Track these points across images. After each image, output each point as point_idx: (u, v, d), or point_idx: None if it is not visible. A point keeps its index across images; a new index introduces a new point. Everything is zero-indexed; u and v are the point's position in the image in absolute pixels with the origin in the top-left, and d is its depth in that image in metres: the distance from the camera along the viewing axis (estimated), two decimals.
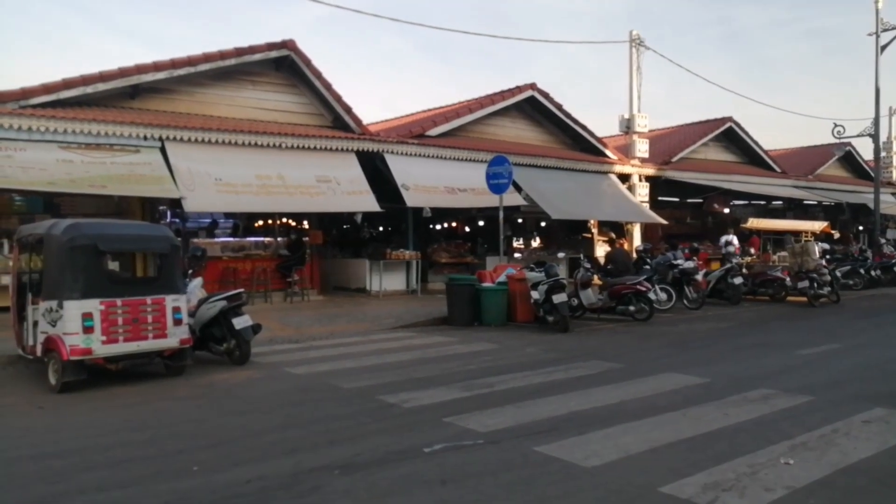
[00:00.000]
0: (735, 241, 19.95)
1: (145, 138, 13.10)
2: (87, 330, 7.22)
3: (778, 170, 26.72)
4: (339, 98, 16.23)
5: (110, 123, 12.68)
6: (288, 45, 15.32)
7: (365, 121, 17.15)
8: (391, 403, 6.56)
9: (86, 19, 75.02)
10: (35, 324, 7.85)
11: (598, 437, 5.32)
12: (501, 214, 14.31)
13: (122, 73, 13.53)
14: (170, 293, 7.90)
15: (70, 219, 8.20)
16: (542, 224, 23.18)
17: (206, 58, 14.47)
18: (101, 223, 8.33)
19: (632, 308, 12.60)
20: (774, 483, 4.33)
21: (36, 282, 8.11)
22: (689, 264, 15.03)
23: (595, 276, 13.30)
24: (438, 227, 22.59)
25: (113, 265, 9.45)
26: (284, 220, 18.00)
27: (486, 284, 12.56)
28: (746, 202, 27.85)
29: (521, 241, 23.05)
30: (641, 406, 6.29)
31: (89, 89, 13.13)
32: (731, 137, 26.16)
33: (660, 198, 23.66)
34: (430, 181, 16.39)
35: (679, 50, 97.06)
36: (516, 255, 19.91)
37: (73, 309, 7.20)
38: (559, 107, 20.38)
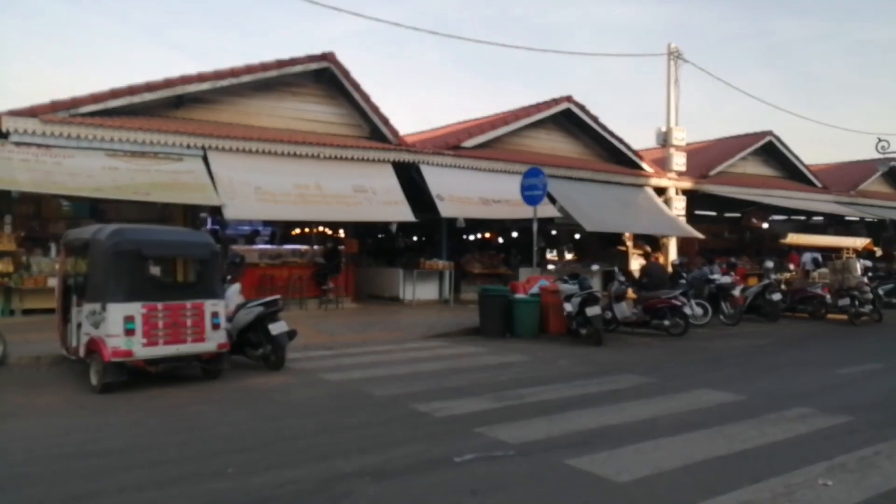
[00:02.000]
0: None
1: (188, 147, 13.43)
2: (129, 332, 7.40)
3: (819, 185, 26.16)
4: (376, 109, 16.42)
5: (155, 132, 13.04)
6: (328, 57, 15.58)
7: (401, 132, 17.30)
8: (423, 412, 6.57)
9: (134, 31, 77.27)
10: (79, 325, 8.07)
11: (630, 451, 5.27)
12: (535, 226, 14.30)
13: (168, 83, 13.90)
14: (209, 298, 8.06)
15: (115, 224, 8.43)
16: (577, 236, 23.04)
17: (249, 69, 14.79)
18: (144, 229, 8.54)
19: (666, 322, 12.43)
20: (811, 503, 4.25)
21: (81, 284, 8.34)
22: (727, 279, 14.80)
23: (629, 290, 13.17)
24: (472, 237, 22.62)
25: (155, 270, 9.68)
26: (321, 228, 18.23)
27: (519, 296, 12.52)
28: (786, 217, 27.30)
29: (554, 253, 22.94)
30: (675, 422, 6.20)
31: (135, 99, 13.51)
32: (771, 152, 25.71)
33: (697, 212, 23.34)
34: (464, 192, 16.44)
35: (718, 63, 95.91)
36: (550, 266, 19.80)
37: (116, 312, 7.38)
38: (595, 119, 20.30)
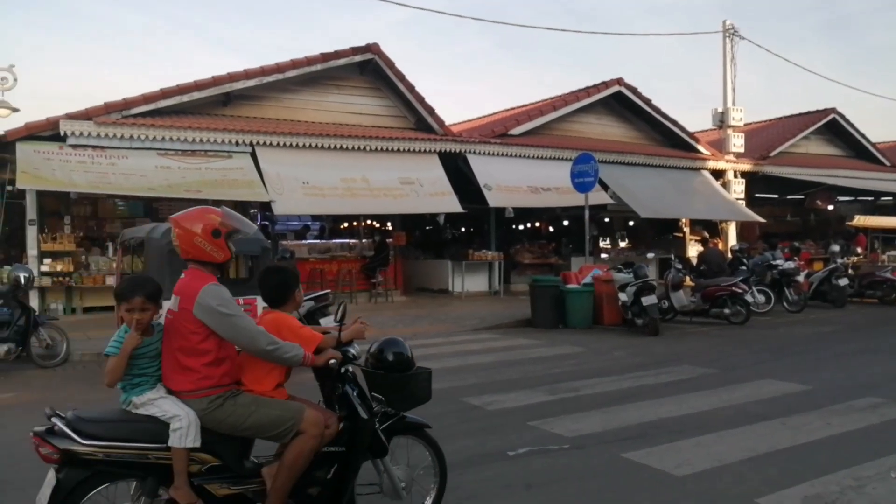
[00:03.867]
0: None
1: (237, 144, 13.65)
2: None
3: (887, 163, 24.99)
4: (421, 100, 16.36)
5: (205, 130, 13.28)
6: (372, 48, 15.57)
7: (447, 121, 17.22)
8: (475, 405, 6.51)
9: (181, 30, 79.22)
10: None
11: (690, 444, 5.15)
12: (587, 214, 14.00)
13: (215, 81, 14.12)
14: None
15: (168, 222, 8.57)
16: (631, 223, 22.59)
17: (294, 64, 14.91)
18: None
19: (727, 311, 12.07)
20: (883, 497, 4.04)
21: None
22: (790, 265, 14.28)
23: (687, 278, 12.84)
24: (521, 227, 22.42)
25: None
26: (369, 221, 18.31)
27: (571, 286, 12.32)
28: (852, 198, 26.18)
29: (607, 242, 22.58)
30: (737, 414, 6.03)
31: (185, 98, 13.78)
32: (835, 130, 24.66)
33: (757, 195, 22.65)
34: (512, 181, 16.26)
35: (776, 39, 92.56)
36: (603, 255, 19.51)
37: None
38: (648, 101, 19.79)
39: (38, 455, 2.90)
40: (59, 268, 12.73)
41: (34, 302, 11.29)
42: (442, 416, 6.20)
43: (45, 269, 12.52)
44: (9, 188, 12.05)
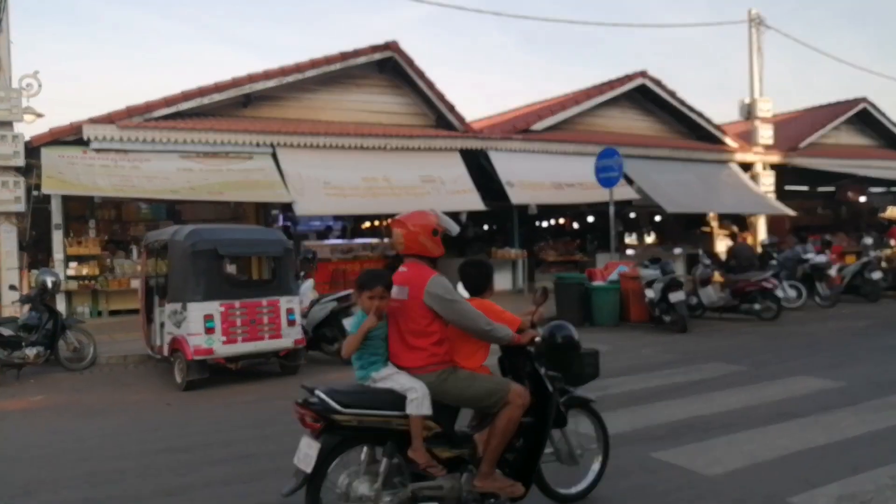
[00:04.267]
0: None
1: (258, 145, 13.69)
2: (209, 331, 7.55)
3: None
4: (441, 97, 16.27)
5: (225, 132, 13.34)
6: (391, 46, 15.52)
7: (468, 118, 17.09)
8: None
9: (193, 29, 79.81)
10: (162, 325, 8.31)
11: (721, 443, 5.10)
12: (612, 209, 13.80)
13: (235, 82, 14.15)
14: (284, 295, 8.13)
15: (191, 225, 8.61)
16: (657, 218, 22.30)
17: (313, 64, 14.90)
18: (219, 228, 8.70)
19: (757, 306, 11.83)
20: None
21: (162, 285, 8.59)
22: (821, 258, 13.97)
23: (716, 273, 12.63)
24: (545, 224, 22.24)
25: (230, 268, 9.86)
26: (390, 220, 18.27)
27: (597, 283, 12.18)
28: (885, 189, 25.57)
29: (633, 237, 22.33)
30: (768, 411, 5.93)
31: (205, 100, 13.82)
32: (866, 120, 24.11)
33: (786, 187, 22.21)
34: (535, 177, 16.12)
35: (804, 26, 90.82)
36: (629, 251, 19.26)
37: (196, 310, 7.54)
38: (672, 94, 19.49)
39: (302, 423, 3.36)
40: (84, 271, 12.89)
41: (61, 306, 11.42)
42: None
43: (70, 272, 12.66)
44: (35, 193, 12.20)
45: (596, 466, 4.22)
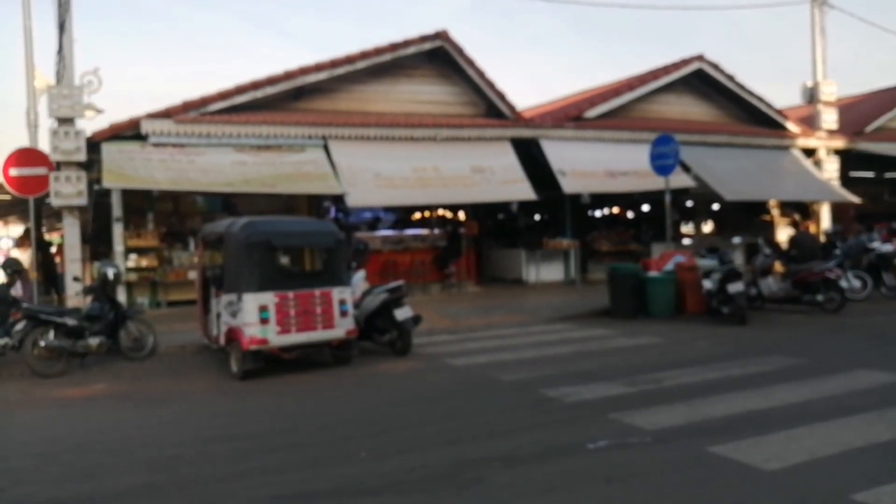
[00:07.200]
0: None
1: (310, 137, 13.84)
2: (264, 321, 7.67)
3: None
4: (492, 85, 16.13)
5: (278, 125, 13.53)
6: (441, 35, 15.45)
7: (518, 106, 16.92)
8: (552, 397, 6.38)
9: (251, 25, 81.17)
10: (218, 315, 8.49)
11: (780, 438, 4.93)
12: (668, 197, 13.46)
13: (287, 76, 14.32)
14: (336, 286, 8.19)
15: (246, 217, 8.76)
16: (715, 207, 21.69)
17: (363, 55, 14.96)
18: (273, 220, 8.82)
19: (819, 297, 11.39)
20: None
21: (218, 276, 8.76)
22: (888, 247, 13.37)
23: (776, 263, 12.20)
24: (598, 213, 21.90)
25: (284, 260, 10.01)
26: (441, 211, 18.27)
27: (652, 273, 11.93)
28: None
29: (690, 226, 21.80)
30: (830, 406, 5.72)
31: (259, 94, 14.01)
32: None
33: (851, 173, 21.33)
34: (588, 166, 15.86)
35: (870, 5, 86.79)
36: (685, 241, 18.79)
37: (251, 301, 7.67)
38: (731, 78, 18.86)
39: None
40: (143, 263, 13.27)
41: (122, 297, 11.77)
42: (518, 408, 6.14)
43: (130, 264, 13.05)
44: (96, 187, 12.60)
45: None
